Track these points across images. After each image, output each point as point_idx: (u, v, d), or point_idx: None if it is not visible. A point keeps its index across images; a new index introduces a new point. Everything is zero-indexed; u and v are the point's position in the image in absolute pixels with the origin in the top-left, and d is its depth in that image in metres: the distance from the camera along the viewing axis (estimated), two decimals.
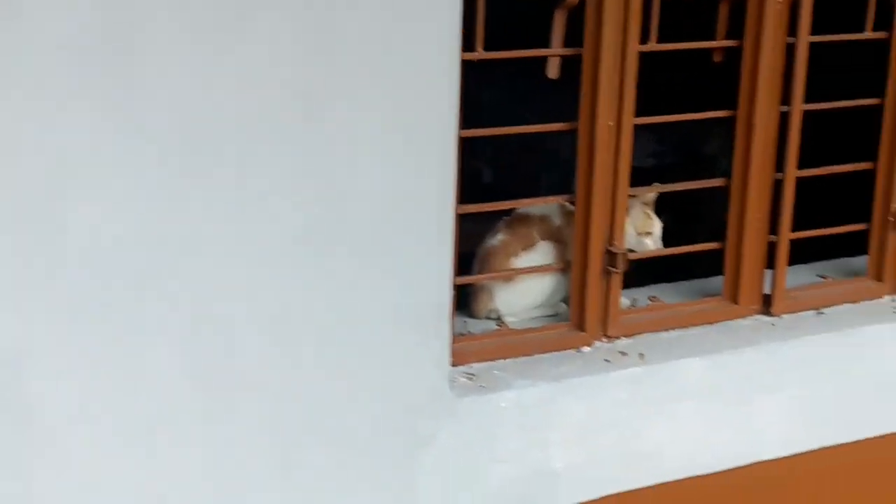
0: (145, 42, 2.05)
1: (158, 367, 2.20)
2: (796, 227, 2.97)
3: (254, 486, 2.33)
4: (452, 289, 2.52)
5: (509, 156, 5.34)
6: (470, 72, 2.37)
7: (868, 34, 2.90)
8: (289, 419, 2.33)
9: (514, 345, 2.68)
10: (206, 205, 2.17)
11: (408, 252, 2.35)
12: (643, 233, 2.78)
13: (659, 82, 4.76)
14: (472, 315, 2.83)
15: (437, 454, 2.49)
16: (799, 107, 2.81)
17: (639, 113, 2.66)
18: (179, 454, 2.26)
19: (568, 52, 2.57)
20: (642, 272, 2.93)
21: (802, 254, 3.24)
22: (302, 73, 2.17)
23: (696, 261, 2.97)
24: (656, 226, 2.81)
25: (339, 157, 2.24)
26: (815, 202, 3.80)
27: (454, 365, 2.60)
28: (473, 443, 2.53)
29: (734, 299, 2.91)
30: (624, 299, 2.86)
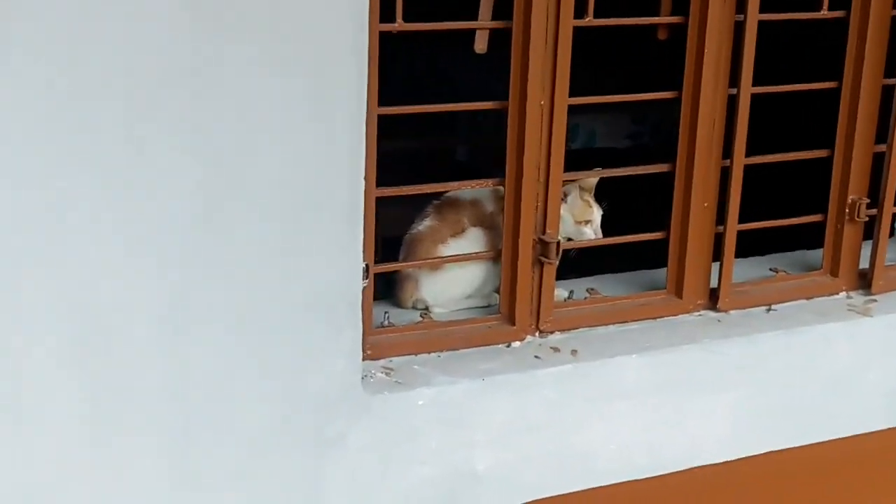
0: (10, 8, 1.87)
1: (35, 358, 2.03)
2: (752, 217, 2.81)
3: (140, 489, 2.16)
4: (370, 277, 2.36)
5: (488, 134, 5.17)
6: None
7: (824, 13, 2.72)
8: (182, 417, 2.15)
9: (437, 338, 2.52)
10: (92, 186, 1.99)
11: (316, 237, 2.18)
12: (581, 221, 2.61)
13: (623, 60, 4.64)
14: (398, 305, 2.66)
15: (349, 455, 2.32)
16: (747, 89, 2.63)
17: (595, 92, 2.50)
18: (59, 452, 2.09)
19: (496, 24, 2.40)
20: (610, 261, 2.78)
21: (760, 246, 3.08)
22: (191, 43, 1.99)
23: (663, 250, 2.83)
24: (595, 214, 2.64)
25: (240, 135, 2.07)
26: (778, 192, 3.66)
27: (372, 358, 2.43)
28: (388, 443, 2.36)
29: (679, 293, 2.74)
30: (561, 291, 2.69)
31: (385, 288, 2.67)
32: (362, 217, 2.23)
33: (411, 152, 4.57)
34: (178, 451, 2.16)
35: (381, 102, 2.28)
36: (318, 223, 2.16)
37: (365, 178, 2.26)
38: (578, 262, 2.69)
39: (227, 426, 2.19)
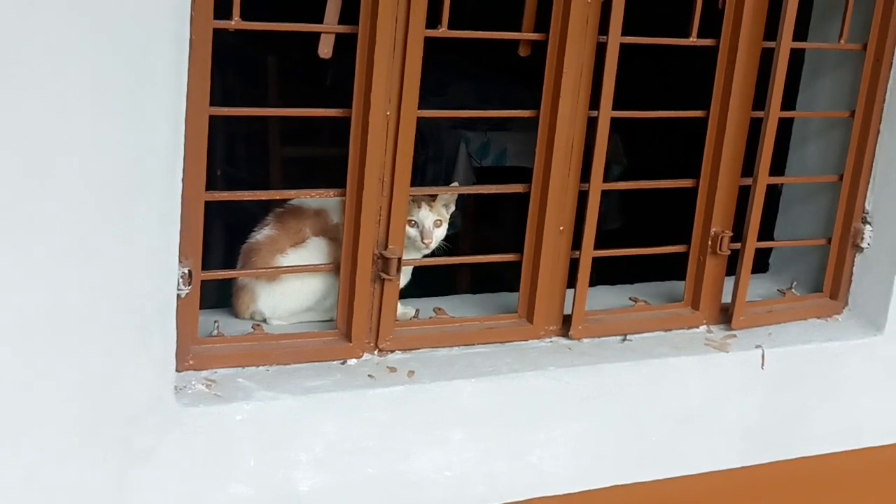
0: None
1: None
2: (614, 244, 2.74)
3: None
4: (195, 284, 2.25)
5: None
6: None
7: (693, 40, 2.66)
8: None
9: (267, 351, 2.41)
10: None
11: (125, 238, 2.06)
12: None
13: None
14: (235, 315, 2.55)
15: (158, 471, 2.21)
16: (607, 112, 2.56)
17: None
18: None
19: (341, 29, 2.31)
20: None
21: (625, 275, 3.02)
22: None
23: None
24: (423, 215, 2.51)
25: (44, 122, 1.94)
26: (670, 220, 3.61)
27: (194, 369, 2.33)
28: (202, 459, 2.25)
29: (530, 318, 2.66)
30: (407, 309, 2.60)
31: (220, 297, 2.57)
32: (178, 220, 2.12)
33: None
34: None
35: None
36: (127, 224, 2.05)
37: (190, 181, 2.16)
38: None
39: (19, 432, 2.06)
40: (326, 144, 4.95)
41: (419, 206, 2.52)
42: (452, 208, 2.64)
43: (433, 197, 2.56)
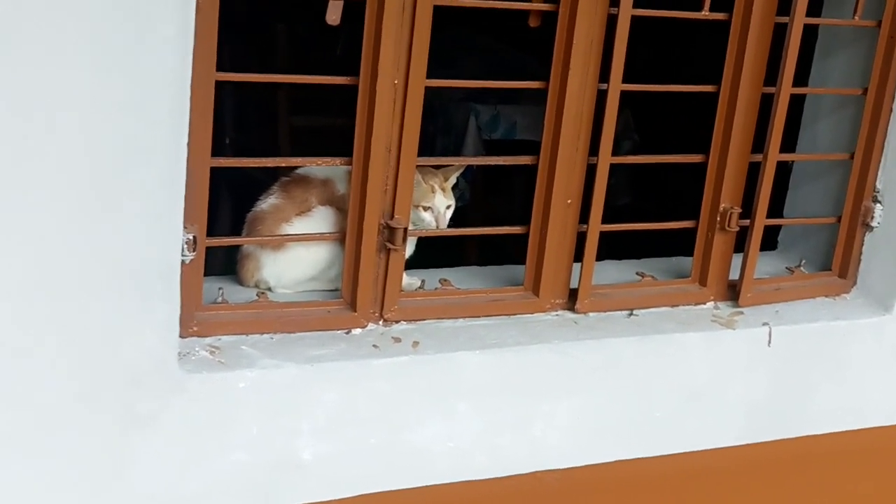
0: None
1: None
2: (623, 220, 2.72)
3: None
4: (200, 250, 2.25)
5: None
6: None
7: (705, 14, 2.63)
8: None
9: (271, 319, 2.40)
10: None
11: (128, 203, 2.04)
12: (419, 205, 2.50)
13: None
14: (240, 283, 2.55)
15: (160, 437, 2.20)
16: (617, 85, 2.53)
17: None
18: None
19: None
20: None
21: (633, 250, 3.00)
22: None
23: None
24: (438, 201, 2.52)
25: (44, 79, 1.92)
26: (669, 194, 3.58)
27: (198, 336, 2.32)
28: (204, 425, 2.24)
29: (536, 291, 2.64)
30: (412, 280, 2.59)
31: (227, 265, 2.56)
32: (183, 186, 2.10)
33: None
34: None
35: None
36: (130, 189, 2.03)
37: (195, 147, 2.14)
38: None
39: (20, 396, 2.06)
40: (336, 114, 4.94)
41: (434, 192, 2.51)
42: (454, 182, 2.63)
43: (445, 179, 2.54)
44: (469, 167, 4.36)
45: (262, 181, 2.63)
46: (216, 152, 2.23)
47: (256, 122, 5.07)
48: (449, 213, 2.56)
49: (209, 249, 2.30)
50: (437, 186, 2.51)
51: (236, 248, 2.56)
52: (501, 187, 4.88)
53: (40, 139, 1.95)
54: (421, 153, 2.41)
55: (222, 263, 2.65)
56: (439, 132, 4.92)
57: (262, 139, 5.01)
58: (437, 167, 2.57)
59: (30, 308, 2.02)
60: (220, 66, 2.20)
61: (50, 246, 2.01)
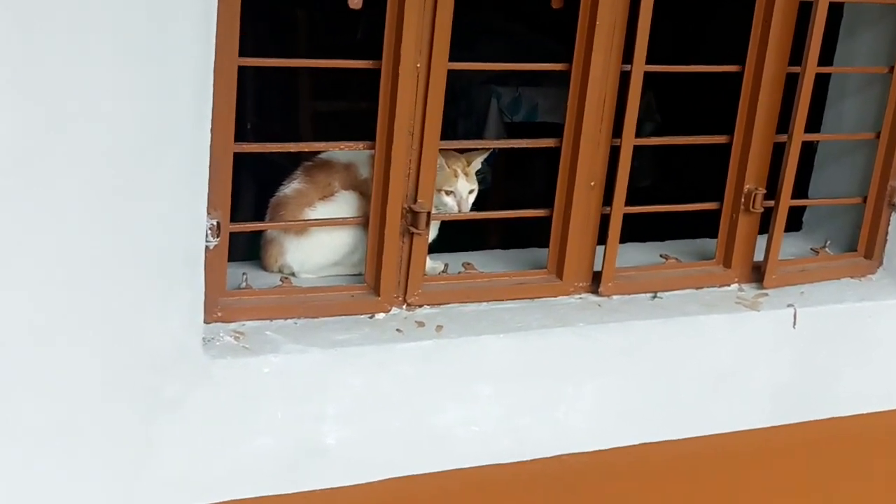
0: None
1: None
2: (646, 202, 2.71)
3: None
4: (223, 236, 2.25)
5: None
6: None
7: None
8: None
9: (295, 304, 2.40)
10: None
11: (151, 189, 2.05)
12: (442, 189, 2.49)
13: None
14: (263, 269, 2.55)
15: (185, 419, 2.21)
16: (640, 65, 2.52)
17: None
18: None
19: None
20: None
21: (656, 232, 2.98)
22: None
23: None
24: (460, 185, 2.51)
25: (68, 67, 1.92)
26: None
27: (223, 321, 2.33)
28: (229, 410, 2.25)
29: (559, 274, 2.64)
30: (435, 264, 2.59)
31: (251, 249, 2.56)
32: (206, 172, 2.11)
33: None
34: None
35: None
36: (153, 174, 2.04)
37: (218, 132, 2.14)
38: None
39: (45, 382, 2.07)
40: (358, 99, 4.93)
41: (457, 177, 2.50)
42: (479, 167, 2.62)
43: (468, 163, 2.53)
44: (491, 150, 4.36)
45: (286, 166, 2.63)
46: (238, 137, 2.23)
47: (279, 106, 5.07)
48: (472, 198, 2.55)
49: (233, 235, 2.30)
50: (459, 171, 2.50)
51: (260, 233, 2.56)
52: (523, 170, 4.86)
53: (65, 127, 1.95)
54: (443, 137, 2.40)
55: (247, 248, 2.65)
56: (461, 115, 4.91)
57: (284, 124, 5.01)
58: (461, 151, 2.56)
59: (56, 295, 2.03)
60: (243, 52, 2.19)
61: (74, 233, 2.01)
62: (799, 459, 2.89)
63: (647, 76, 2.55)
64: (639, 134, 2.60)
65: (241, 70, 2.18)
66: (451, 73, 2.34)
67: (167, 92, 2.00)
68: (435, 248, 2.57)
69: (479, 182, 2.64)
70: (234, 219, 2.29)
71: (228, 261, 2.33)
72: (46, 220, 1.99)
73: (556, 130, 2.58)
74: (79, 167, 1.98)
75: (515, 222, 2.77)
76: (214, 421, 2.24)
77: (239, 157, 2.24)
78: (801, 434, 2.85)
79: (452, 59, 2.35)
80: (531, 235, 2.79)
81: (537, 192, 4.56)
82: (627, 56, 2.52)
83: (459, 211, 2.52)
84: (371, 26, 2.40)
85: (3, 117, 1.90)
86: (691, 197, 2.79)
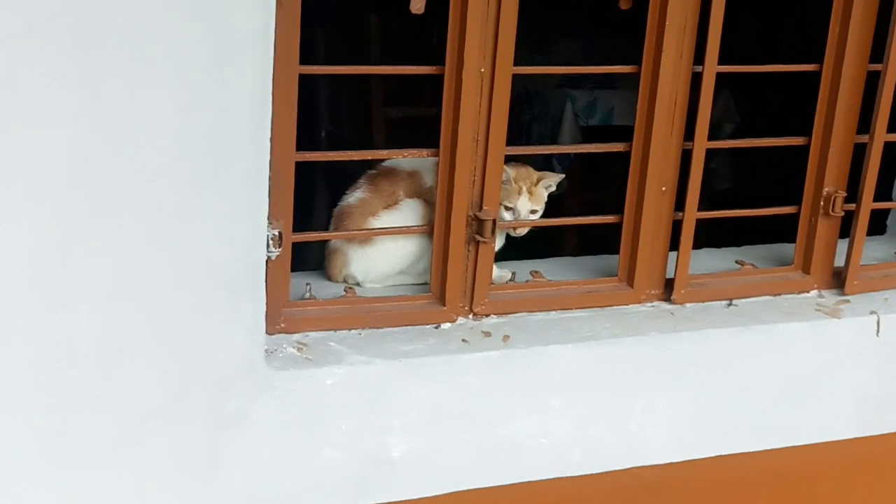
0: None
1: None
2: (724, 206, 2.63)
3: (23, 471, 2.03)
4: (286, 246, 2.22)
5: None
6: None
7: None
8: (66, 390, 2.02)
9: (360, 314, 2.37)
10: None
11: (212, 200, 2.03)
12: (501, 203, 2.43)
13: None
14: (328, 279, 2.52)
15: (250, 432, 2.19)
16: (712, 67, 2.44)
17: None
18: None
19: None
20: None
21: (734, 238, 2.90)
22: None
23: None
24: (522, 203, 2.46)
25: (129, 82, 1.91)
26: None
27: (286, 332, 2.31)
28: (294, 423, 2.23)
29: (630, 282, 2.57)
30: (502, 272, 2.54)
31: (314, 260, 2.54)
32: (267, 181, 2.08)
33: None
34: (57, 422, 2.03)
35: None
36: (215, 185, 2.02)
37: (279, 141, 2.12)
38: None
39: (112, 397, 2.06)
40: (430, 105, 4.90)
41: (520, 194, 2.46)
42: (553, 189, 2.57)
43: (536, 182, 2.48)
44: (566, 154, 4.29)
45: (357, 173, 2.60)
46: (313, 146, 2.20)
47: (351, 113, 5.07)
48: (533, 217, 2.50)
49: (304, 245, 2.27)
50: (524, 188, 2.45)
51: (325, 243, 2.54)
52: (600, 175, 4.80)
53: (126, 144, 1.94)
54: (517, 141, 2.35)
55: (315, 258, 2.63)
56: (535, 119, 4.86)
57: (355, 131, 5.00)
58: (528, 157, 2.51)
59: (118, 311, 2.02)
60: (314, 60, 2.16)
61: (136, 249, 2.00)
62: (883, 472, 2.78)
63: (727, 76, 2.47)
64: (717, 136, 2.53)
65: (318, 78, 2.15)
66: (524, 76, 2.28)
67: (226, 103, 1.99)
68: (502, 255, 2.52)
69: (557, 186, 2.59)
70: (306, 227, 2.26)
71: (295, 271, 2.31)
72: (109, 237, 1.98)
73: (631, 134, 2.52)
74: (139, 183, 1.98)
75: (589, 228, 2.70)
76: (278, 434, 2.22)
77: (311, 166, 2.20)
78: (887, 445, 2.74)
79: (524, 62, 2.30)
80: (606, 241, 2.73)
81: (615, 197, 4.50)
82: (699, 56, 2.44)
83: (514, 231, 2.47)
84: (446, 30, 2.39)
85: (65, 134, 1.90)
86: (774, 200, 2.71)
